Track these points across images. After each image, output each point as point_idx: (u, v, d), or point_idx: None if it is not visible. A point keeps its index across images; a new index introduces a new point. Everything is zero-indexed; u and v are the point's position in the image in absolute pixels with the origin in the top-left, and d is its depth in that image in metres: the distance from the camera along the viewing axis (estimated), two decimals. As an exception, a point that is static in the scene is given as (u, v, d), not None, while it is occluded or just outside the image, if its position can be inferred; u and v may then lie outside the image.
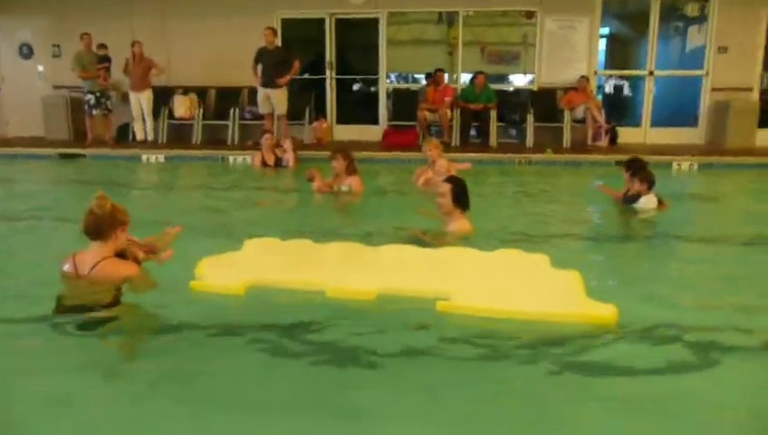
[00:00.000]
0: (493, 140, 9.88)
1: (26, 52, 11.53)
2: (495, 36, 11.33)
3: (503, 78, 11.41)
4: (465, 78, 10.77)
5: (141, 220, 5.43)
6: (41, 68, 11.50)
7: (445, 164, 6.29)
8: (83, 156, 9.51)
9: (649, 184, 5.35)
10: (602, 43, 11.08)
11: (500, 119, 10.06)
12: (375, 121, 10.90)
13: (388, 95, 10.97)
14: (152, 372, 2.46)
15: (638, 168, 5.49)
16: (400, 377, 2.42)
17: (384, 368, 2.47)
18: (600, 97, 10.78)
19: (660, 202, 5.39)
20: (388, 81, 11.05)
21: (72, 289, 3.01)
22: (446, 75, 10.32)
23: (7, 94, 11.62)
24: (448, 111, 9.87)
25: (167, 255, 3.19)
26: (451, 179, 4.45)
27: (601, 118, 9.75)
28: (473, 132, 10.25)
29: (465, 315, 2.86)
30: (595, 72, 10.48)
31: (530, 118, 9.90)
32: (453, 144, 9.85)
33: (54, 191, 7.49)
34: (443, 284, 3.09)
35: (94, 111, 10.10)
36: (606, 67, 11.41)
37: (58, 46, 11.23)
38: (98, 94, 10.01)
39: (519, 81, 11.44)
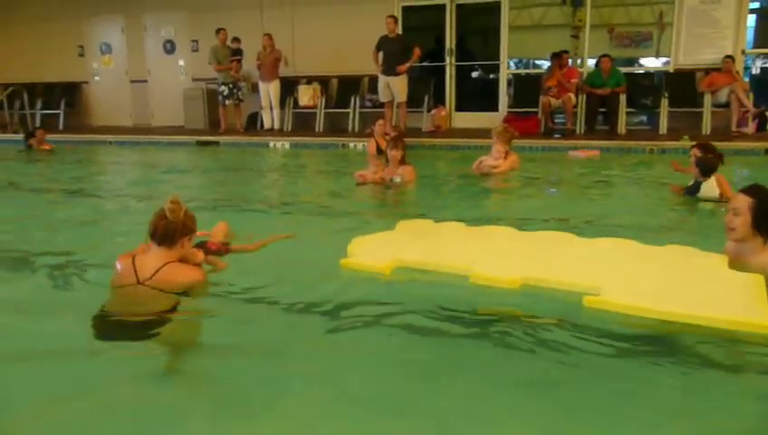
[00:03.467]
0: (621, 127, 9.33)
1: (169, 48, 12.53)
2: (625, 17, 10.66)
3: (633, 61, 10.72)
4: (591, 63, 10.23)
5: (270, 202, 5.82)
6: (181, 62, 12.45)
7: (501, 150, 6.27)
8: (217, 143, 10.19)
9: (702, 170, 4.82)
10: (751, 20, 10.05)
11: (629, 104, 9.47)
12: (494, 108, 10.68)
13: (508, 81, 10.70)
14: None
15: (701, 148, 4.97)
16: (529, 370, 2.29)
17: (512, 360, 2.35)
18: (747, 79, 9.81)
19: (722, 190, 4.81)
20: (508, 67, 10.77)
21: (128, 297, 2.76)
22: (569, 60, 9.88)
23: (153, 87, 12.72)
24: (573, 97, 9.43)
25: (222, 266, 3.20)
26: (754, 190, 2.95)
27: (749, 102, 8.86)
28: (599, 119, 9.73)
29: (618, 314, 2.59)
30: (742, 52, 9.53)
31: (664, 102, 9.22)
32: (578, 131, 9.42)
33: (192, 175, 8.09)
34: (595, 277, 2.86)
35: (227, 102, 10.78)
36: (755, 46, 10.33)
37: (196, 41, 12.10)
38: (230, 86, 10.67)
39: (651, 63, 10.69)
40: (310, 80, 11.08)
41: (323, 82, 11.05)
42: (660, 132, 9.14)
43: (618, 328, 2.52)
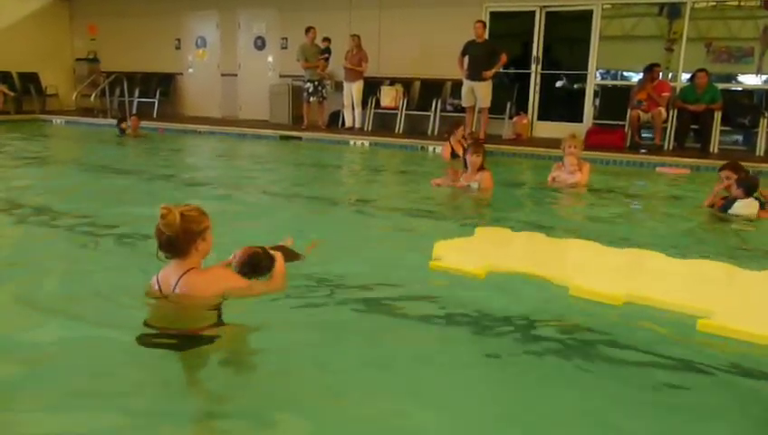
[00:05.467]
0: (714, 146, 8.92)
1: (260, 44, 13.00)
2: (724, 31, 10.18)
3: (730, 77, 10.22)
4: (685, 78, 9.84)
5: (346, 199, 5.96)
6: (270, 59, 12.90)
7: (575, 162, 6.19)
8: (300, 138, 10.50)
9: (746, 189, 4.99)
10: None
11: (724, 122, 9.04)
12: (578, 119, 10.46)
13: (595, 92, 10.45)
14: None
15: (735, 169, 5.25)
16: (636, 399, 2.14)
17: (617, 382, 2.24)
18: None
19: (762, 207, 4.97)
20: (597, 77, 10.52)
21: (160, 310, 2.60)
22: (660, 73, 9.54)
23: (242, 81, 13.24)
24: (663, 111, 9.11)
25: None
26: None
27: None
28: (690, 136, 9.35)
29: (729, 339, 2.50)
30: None
31: (763, 122, 8.75)
32: (666, 147, 9.09)
33: (273, 168, 8.38)
34: (703, 300, 2.77)
35: (311, 99, 11.10)
36: None
37: (285, 39, 12.50)
38: (316, 83, 10.97)
39: (751, 80, 10.15)
40: (393, 81, 11.23)
41: (406, 83, 11.17)
42: (757, 154, 8.68)
43: (734, 356, 2.41)
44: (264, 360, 2.41)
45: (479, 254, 3.46)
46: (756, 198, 4.98)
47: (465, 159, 5.99)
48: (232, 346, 2.49)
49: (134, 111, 12.44)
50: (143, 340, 2.40)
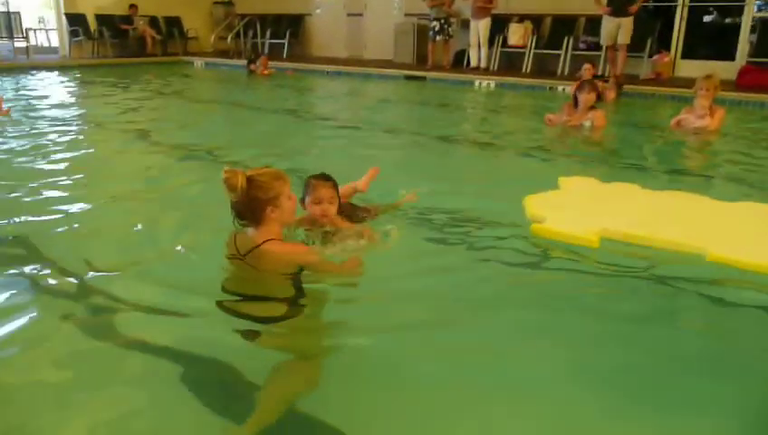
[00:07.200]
0: None
1: (386, -18, 12.90)
2: None
3: None
4: None
5: (463, 140, 5.88)
6: (396, -3, 12.79)
7: (706, 105, 5.54)
8: (424, 78, 10.44)
9: None
10: None
11: None
12: (729, 57, 9.45)
13: (752, 27, 9.34)
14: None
15: None
16: None
17: None
18: None
19: None
20: (755, 9, 9.38)
21: (238, 271, 2.39)
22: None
23: (367, 21, 13.28)
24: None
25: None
26: None
27: None
28: None
29: None
30: None
31: None
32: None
33: (396, 108, 8.46)
34: None
35: (437, 38, 10.92)
36: None
37: (412, -25, 12.28)
38: (442, 21, 10.76)
39: None
40: (522, 18, 10.73)
41: (536, 20, 10.64)
42: None
43: None
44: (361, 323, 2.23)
45: (581, 214, 2.97)
46: None
47: (575, 97, 5.86)
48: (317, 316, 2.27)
49: (266, 52, 12.98)
50: (220, 306, 2.24)
